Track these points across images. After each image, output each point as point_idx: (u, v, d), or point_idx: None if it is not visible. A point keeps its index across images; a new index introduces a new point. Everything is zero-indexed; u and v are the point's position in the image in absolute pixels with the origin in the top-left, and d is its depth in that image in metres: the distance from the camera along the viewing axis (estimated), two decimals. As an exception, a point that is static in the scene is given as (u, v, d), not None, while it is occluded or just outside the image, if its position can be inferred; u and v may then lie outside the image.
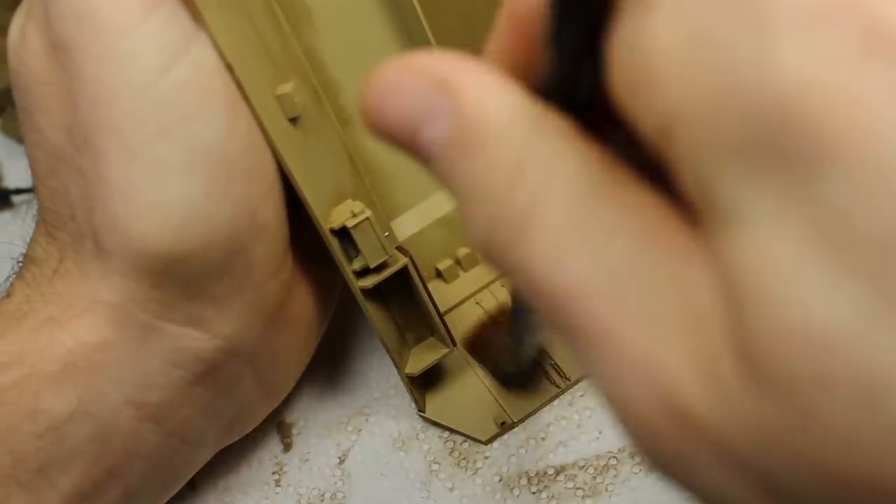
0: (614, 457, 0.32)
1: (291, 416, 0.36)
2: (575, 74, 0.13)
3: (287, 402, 0.36)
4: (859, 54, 0.10)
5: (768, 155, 0.10)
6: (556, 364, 0.34)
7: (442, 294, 0.36)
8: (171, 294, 0.27)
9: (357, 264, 0.30)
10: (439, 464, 0.34)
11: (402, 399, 0.35)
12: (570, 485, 0.32)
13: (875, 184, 0.10)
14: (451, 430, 0.34)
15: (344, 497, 0.34)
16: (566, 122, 0.14)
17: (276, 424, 0.36)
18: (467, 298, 0.37)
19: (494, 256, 0.14)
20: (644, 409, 0.12)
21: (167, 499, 0.32)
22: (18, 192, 0.46)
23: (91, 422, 0.27)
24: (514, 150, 0.13)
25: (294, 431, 0.36)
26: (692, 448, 0.12)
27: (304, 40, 0.31)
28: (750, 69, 0.10)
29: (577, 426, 0.33)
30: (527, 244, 0.13)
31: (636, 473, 0.32)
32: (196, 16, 0.25)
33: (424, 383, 0.35)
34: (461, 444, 0.34)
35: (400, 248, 0.31)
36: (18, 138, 0.46)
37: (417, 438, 0.34)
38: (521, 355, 0.31)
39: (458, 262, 0.37)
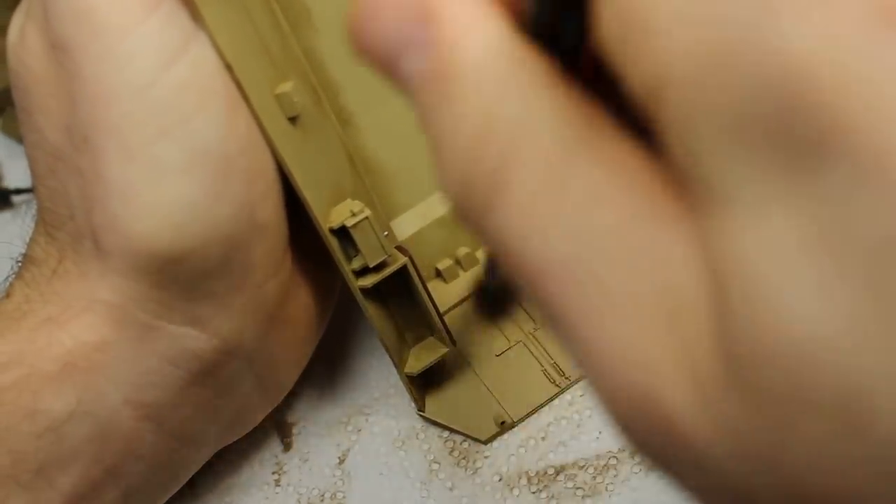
0: (614, 456, 0.32)
1: (291, 416, 0.36)
2: (558, 13, 0.12)
3: (287, 402, 0.36)
4: (874, 29, 0.09)
5: (767, 134, 0.09)
6: (555, 363, 0.34)
7: (441, 294, 0.36)
8: (171, 294, 0.27)
9: (356, 264, 0.30)
10: (439, 463, 0.34)
11: (402, 399, 0.35)
12: (570, 485, 0.32)
13: (883, 181, 0.09)
14: (451, 430, 0.34)
15: (344, 497, 0.34)
16: (547, 66, 0.12)
17: (276, 424, 0.36)
18: (467, 298, 0.37)
19: (468, 220, 0.13)
20: (624, 404, 0.11)
21: (166, 499, 0.32)
22: (18, 192, 0.46)
23: (90, 422, 0.27)
24: (485, 98, 0.12)
25: (294, 431, 0.36)
26: (671, 449, 0.11)
27: (303, 40, 0.31)
28: (754, 33, 0.09)
29: (577, 426, 0.33)
30: (498, 213, 0.12)
31: (636, 473, 0.32)
32: (195, 15, 0.25)
33: (424, 383, 0.35)
34: (461, 444, 0.34)
35: (399, 248, 0.31)
36: (18, 138, 0.46)
37: (417, 438, 0.34)
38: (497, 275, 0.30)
39: (457, 261, 0.37)
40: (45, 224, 0.28)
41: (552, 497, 0.32)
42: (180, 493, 0.33)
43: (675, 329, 0.11)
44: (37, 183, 0.28)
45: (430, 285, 0.32)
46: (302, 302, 0.32)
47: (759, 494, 0.11)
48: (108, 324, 0.27)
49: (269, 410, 0.34)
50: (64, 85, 0.26)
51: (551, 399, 0.34)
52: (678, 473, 0.12)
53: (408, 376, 0.33)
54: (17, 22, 0.27)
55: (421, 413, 0.34)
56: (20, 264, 0.29)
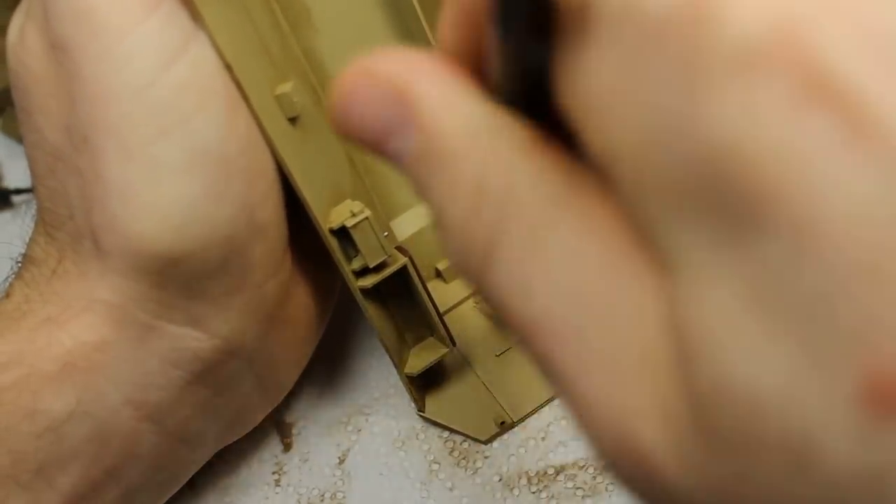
0: (614, 456, 0.32)
1: (291, 416, 0.36)
2: (525, 87, 0.13)
3: (287, 402, 0.36)
4: (795, 106, 0.09)
5: (707, 207, 0.10)
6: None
7: (441, 294, 0.36)
8: (170, 294, 0.27)
9: (356, 264, 0.30)
10: (439, 463, 0.34)
11: (402, 399, 0.35)
12: (570, 484, 0.32)
13: (802, 246, 0.09)
14: (451, 430, 0.34)
15: (344, 497, 0.34)
16: (522, 129, 0.13)
17: (276, 424, 0.36)
18: (467, 298, 0.37)
19: (469, 279, 0.14)
20: (608, 444, 0.12)
21: (166, 499, 0.32)
22: (18, 192, 0.46)
23: (90, 422, 0.27)
24: (473, 170, 0.13)
25: (294, 431, 0.36)
26: (649, 483, 0.12)
27: (303, 40, 0.31)
28: (679, 119, 0.10)
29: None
30: (491, 274, 0.13)
31: (636, 473, 0.32)
32: (195, 15, 0.25)
33: (424, 383, 0.35)
34: (461, 444, 0.34)
35: (399, 248, 0.31)
36: (18, 138, 0.46)
37: (417, 438, 0.34)
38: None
39: (457, 261, 0.37)
40: (45, 224, 0.28)
41: (552, 497, 0.32)
42: (180, 493, 0.33)
43: (649, 378, 0.12)
44: (36, 183, 0.28)
45: (430, 285, 0.32)
46: (302, 302, 0.32)
47: None
48: (108, 324, 0.27)
49: (269, 410, 0.34)
50: (64, 85, 0.26)
51: (551, 399, 0.34)
52: None
53: (408, 376, 0.33)
54: (16, 22, 0.27)
55: (421, 413, 0.34)
56: (20, 264, 0.29)
